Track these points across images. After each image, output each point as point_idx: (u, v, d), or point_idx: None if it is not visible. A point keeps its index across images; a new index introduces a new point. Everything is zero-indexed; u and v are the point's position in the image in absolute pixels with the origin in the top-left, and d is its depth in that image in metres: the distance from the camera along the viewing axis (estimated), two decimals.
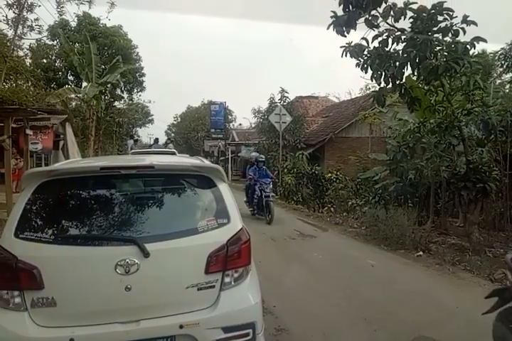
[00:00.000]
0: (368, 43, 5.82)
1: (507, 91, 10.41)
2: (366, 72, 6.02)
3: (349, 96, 26.53)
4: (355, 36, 5.91)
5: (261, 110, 19.45)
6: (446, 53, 5.56)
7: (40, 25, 8.66)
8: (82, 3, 8.32)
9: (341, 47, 5.88)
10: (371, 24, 5.63)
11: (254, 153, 14.13)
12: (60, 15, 8.63)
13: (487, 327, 3.79)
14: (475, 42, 5.38)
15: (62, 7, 8.44)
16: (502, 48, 8.48)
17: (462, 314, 4.07)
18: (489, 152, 7.63)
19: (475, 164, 6.87)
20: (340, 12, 5.66)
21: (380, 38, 5.72)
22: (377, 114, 12.55)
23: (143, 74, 24.99)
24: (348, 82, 65.72)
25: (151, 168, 2.49)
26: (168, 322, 2.26)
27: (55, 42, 21.51)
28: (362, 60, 5.93)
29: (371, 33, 5.76)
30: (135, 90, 25.39)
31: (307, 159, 15.55)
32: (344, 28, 5.66)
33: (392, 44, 5.72)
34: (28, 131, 9.94)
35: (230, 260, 2.42)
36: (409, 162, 7.58)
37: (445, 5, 5.38)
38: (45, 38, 17.75)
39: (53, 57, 21.82)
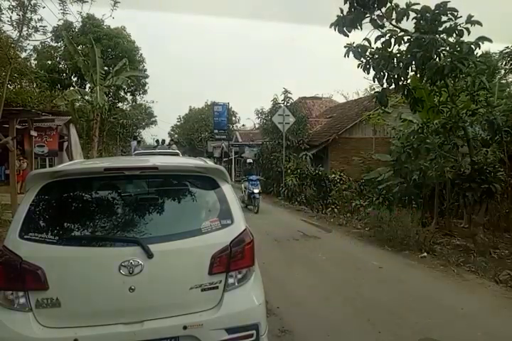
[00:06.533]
0: (370, 44, 5.81)
1: None
2: (368, 73, 6.01)
3: (357, 96, 26.52)
4: (358, 36, 5.91)
5: (264, 111, 19.47)
6: (450, 53, 5.53)
7: (44, 26, 8.65)
8: (85, 2, 8.27)
9: (344, 47, 5.87)
10: (377, 24, 5.62)
11: None
12: (63, 14, 8.59)
13: (492, 329, 3.78)
14: (480, 42, 5.35)
15: (65, 6, 8.42)
16: (506, 47, 8.40)
17: (467, 316, 4.04)
18: (494, 152, 7.58)
19: (480, 165, 6.83)
20: (345, 10, 5.67)
21: (382, 39, 5.70)
22: (382, 115, 12.51)
23: (146, 76, 25.10)
24: (355, 81, 65.73)
25: (155, 169, 2.49)
26: (171, 323, 2.26)
27: (59, 43, 21.66)
28: (364, 61, 5.92)
29: (374, 34, 5.76)
30: (138, 92, 25.51)
31: (311, 160, 15.53)
32: (347, 28, 5.66)
33: (395, 44, 5.70)
34: (33, 133, 10.00)
35: (233, 261, 2.42)
36: (413, 163, 7.54)
37: (449, 5, 5.36)
38: (49, 40, 17.85)
39: (57, 59, 21.96)
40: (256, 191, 11.19)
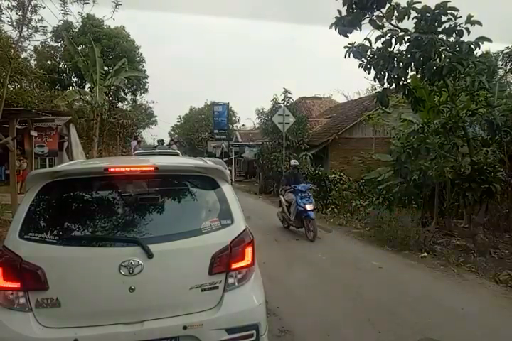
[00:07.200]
0: (370, 44, 5.82)
1: None
2: (369, 73, 6.02)
3: (358, 95, 26.59)
4: (358, 36, 5.91)
5: (264, 111, 19.48)
6: (450, 54, 5.54)
7: (44, 26, 8.64)
8: (86, 3, 8.25)
9: (345, 47, 5.87)
10: (376, 25, 5.63)
11: None
12: (64, 15, 8.56)
13: (492, 329, 3.78)
14: (479, 42, 5.35)
15: (66, 7, 8.39)
16: (507, 47, 8.41)
17: (467, 316, 4.04)
18: (494, 152, 7.58)
19: (480, 165, 6.83)
20: (344, 12, 5.68)
21: (383, 39, 5.71)
22: (381, 115, 12.51)
23: (146, 76, 25.08)
24: (356, 81, 65.73)
25: (155, 169, 2.49)
26: (171, 323, 2.26)
27: (59, 44, 21.66)
28: (365, 61, 5.92)
29: (374, 34, 5.76)
30: (138, 92, 25.51)
31: (311, 160, 15.52)
32: (347, 29, 5.66)
33: (396, 44, 5.71)
34: (33, 133, 10.00)
35: (233, 261, 2.42)
36: (413, 163, 7.54)
37: (449, 5, 5.36)
38: (49, 40, 17.83)
39: (57, 59, 21.96)
40: (309, 208, 7.67)
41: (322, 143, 16.50)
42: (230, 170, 18.52)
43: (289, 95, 17.28)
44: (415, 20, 5.54)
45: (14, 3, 7.81)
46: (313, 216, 7.73)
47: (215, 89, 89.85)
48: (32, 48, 16.65)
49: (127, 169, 2.47)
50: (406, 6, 5.44)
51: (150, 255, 2.23)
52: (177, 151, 13.77)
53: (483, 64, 6.13)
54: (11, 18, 8.00)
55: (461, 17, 5.31)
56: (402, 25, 5.65)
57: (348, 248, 7.26)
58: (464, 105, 7.09)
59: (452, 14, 5.33)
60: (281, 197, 8.78)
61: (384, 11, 5.61)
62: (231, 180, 2.83)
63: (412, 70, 5.87)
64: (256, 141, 23.86)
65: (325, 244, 7.45)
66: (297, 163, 9.33)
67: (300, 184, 8.33)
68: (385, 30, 5.69)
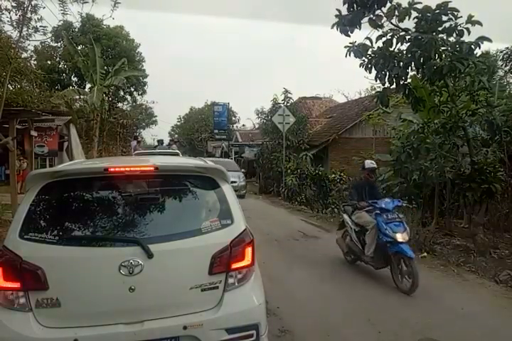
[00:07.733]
0: (371, 43, 5.82)
1: None
2: (370, 72, 6.03)
3: (359, 95, 26.64)
4: (359, 36, 5.92)
5: (264, 111, 19.52)
6: (450, 53, 5.54)
7: (44, 26, 8.63)
8: (85, 2, 8.23)
9: (345, 47, 5.88)
10: (375, 24, 5.63)
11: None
12: (63, 15, 8.54)
13: (492, 329, 3.78)
14: (480, 42, 5.35)
15: (66, 6, 8.38)
16: (507, 48, 8.45)
17: (467, 316, 4.04)
18: (494, 152, 7.58)
19: (480, 165, 6.83)
20: (344, 11, 5.69)
21: (384, 38, 5.71)
22: (381, 115, 12.52)
23: (145, 76, 25.09)
24: (356, 81, 65.70)
25: (155, 169, 2.49)
26: (171, 323, 2.26)
27: (59, 44, 21.66)
28: (366, 60, 5.93)
29: (375, 33, 5.78)
30: (138, 92, 25.51)
31: (311, 160, 15.54)
32: (348, 28, 5.67)
33: (397, 44, 5.71)
34: (33, 133, 9.99)
35: (233, 261, 2.42)
36: (413, 163, 7.55)
37: (449, 5, 5.37)
38: (49, 40, 17.81)
39: (57, 59, 21.97)
40: (401, 238, 4.82)
41: (322, 143, 16.52)
42: (244, 173, 18.00)
43: (289, 95, 17.31)
44: (416, 20, 5.55)
45: (14, 4, 7.80)
46: (412, 254, 4.73)
47: (215, 89, 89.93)
48: (32, 48, 16.64)
49: (127, 169, 2.46)
50: (407, 6, 5.45)
51: (150, 255, 2.23)
52: (177, 151, 13.78)
53: (483, 64, 6.14)
54: (10, 18, 7.99)
55: (461, 17, 5.32)
56: (403, 24, 5.66)
57: None
58: (464, 105, 7.10)
59: (453, 14, 5.34)
60: (345, 216, 5.86)
61: (384, 10, 5.62)
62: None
63: (412, 70, 5.88)
64: (256, 141, 23.87)
65: (325, 244, 7.43)
66: (375, 166, 5.90)
67: (381, 199, 5.41)
68: (385, 29, 5.70)
